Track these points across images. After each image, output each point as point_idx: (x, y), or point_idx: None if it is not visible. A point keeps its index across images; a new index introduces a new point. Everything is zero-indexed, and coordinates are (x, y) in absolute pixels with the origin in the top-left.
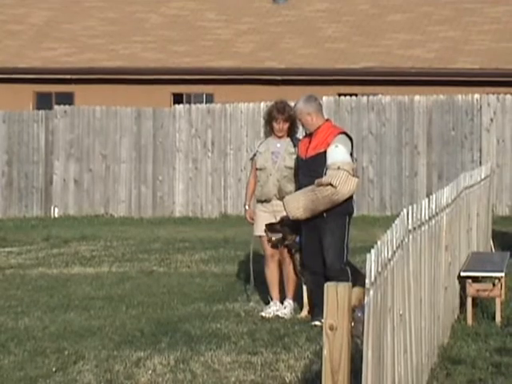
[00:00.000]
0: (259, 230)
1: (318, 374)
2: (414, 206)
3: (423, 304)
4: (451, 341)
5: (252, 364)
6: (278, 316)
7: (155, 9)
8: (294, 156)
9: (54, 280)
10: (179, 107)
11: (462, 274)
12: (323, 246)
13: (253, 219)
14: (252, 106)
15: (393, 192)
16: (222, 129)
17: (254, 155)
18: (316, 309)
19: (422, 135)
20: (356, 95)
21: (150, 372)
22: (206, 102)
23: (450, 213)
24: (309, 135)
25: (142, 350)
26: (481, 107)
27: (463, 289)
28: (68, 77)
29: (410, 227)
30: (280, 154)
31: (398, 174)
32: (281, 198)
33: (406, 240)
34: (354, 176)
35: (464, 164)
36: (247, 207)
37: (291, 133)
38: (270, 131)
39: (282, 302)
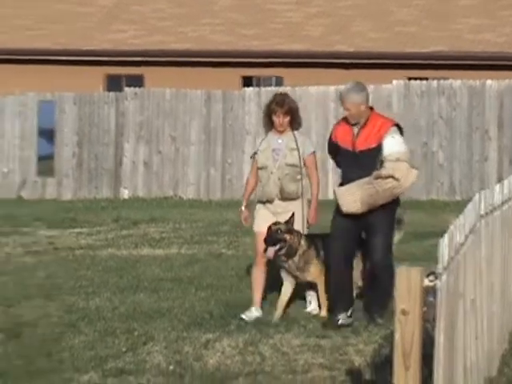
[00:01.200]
0: (258, 225)
1: (388, 359)
2: (487, 190)
3: (495, 289)
4: None
5: (321, 347)
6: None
7: None
8: (296, 152)
9: (124, 261)
10: (249, 90)
11: None
12: (371, 241)
13: (247, 222)
14: (322, 90)
15: (463, 177)
16: None
17: (255, 153)
18: (336, 309)
19: (493, 120)
20: (426, 79)
21: (219, 354)
22: (276, 85)
23: None
24: (349, 123)
25: (211, 332)
26: None
27: None
28: (138, 59)
29: (482, 212)
30: (281, 150)
31: (468, 159)
32: (283, 199)
33: (479, 225)
34: (413, 167)
35: None
36: (243, 208)
37: (293, 127)
38: (269, 126)
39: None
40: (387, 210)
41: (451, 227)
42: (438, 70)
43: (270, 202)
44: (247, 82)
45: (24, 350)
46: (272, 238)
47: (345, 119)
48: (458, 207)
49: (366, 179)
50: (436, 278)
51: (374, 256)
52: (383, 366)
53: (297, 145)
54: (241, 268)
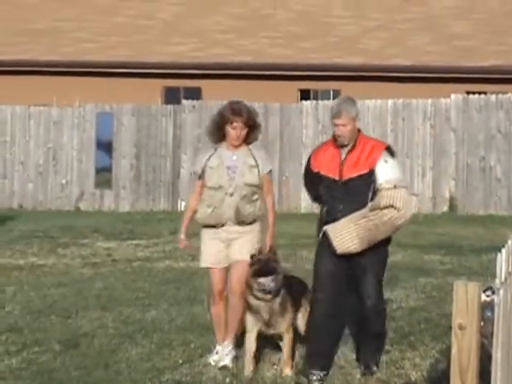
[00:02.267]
0: (207, 260)
1: (445, 373)
2: None
3: None
4: None
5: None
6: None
7: (282, 4)
8: (255, 170)
9: (181, 273)
10: (306, 103)
11: None
12: (362, 285)
13: (189, 248)
14: (379, 103)
15: None
16: None
17: (203, 171)
18: (312, 359)
19: None
20: (485, 93)
21: (275, 367)
22: (333, 98)
23: None
24: (333, 146)
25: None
26: None
27: None
28: (196, 72)
29: None
30: (238, 168)
31: None
32: (238, 223)
33: None
34: (412, 194)
35: None
36: (182, 236)
37: (248, 140)
38: (220, 139)
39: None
40: (378, 248)
41: (509, 242)
42: (496, 84)
43: (219, 226)
44: (304, 95)
45: (81, 360)
46: (268, 266)
47: (330, 142)
48: None
49: (360, 212)
50: (493, 292)
51: (368, 302)
52: (440, 380)
53: (256, 161)
54: None
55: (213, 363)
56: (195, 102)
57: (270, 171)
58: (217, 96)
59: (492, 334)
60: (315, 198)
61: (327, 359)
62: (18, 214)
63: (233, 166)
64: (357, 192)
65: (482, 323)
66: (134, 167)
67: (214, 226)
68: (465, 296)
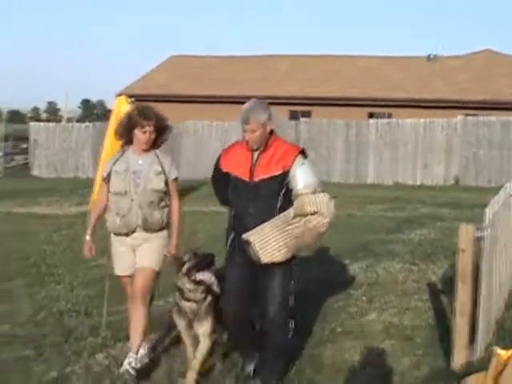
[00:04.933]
0: (119, 268)
1: (452, 278)
2: None
3: None
4: None
5: (412, 270)
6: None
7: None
8: (162, 176)
9: None
10: (372, 120)
11: None
12: (265, 290)
13: (91, 254)
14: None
15: None
16: None
17: (109, 175)
18: (245, 358)
19: None
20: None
21: (352, 272)
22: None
23: None
24: (245, 147)
25: (348, 259)
26: None
27: None
28: (308, 102)
29: (510, 193)
30: (143, 173)
31: None
32: (146, 229)
33: (508, 200)
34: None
35: None
36: (88, 237)
37: (155, 145)
38: (127, 142)
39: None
40: (287, 260)
41: (491, 201)
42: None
43: (128, 234)
44: (370, 116)
45: None
46: (202, 261)
47: (241, 143)
48: None
49: (280, 218)
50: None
51: (270, 310)
52: (450, 280)
53: (162, 167)
54: (365, 223)
55: (130, 370)
56: (307, 119)
57: (176, 178)
58: (322, 116)
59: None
60: (223, 200)
61: (252, 350)
62: None
63: (138, 171)
64: (267, 194)
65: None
66: None
67: (123, 234)
68: (465, 232)
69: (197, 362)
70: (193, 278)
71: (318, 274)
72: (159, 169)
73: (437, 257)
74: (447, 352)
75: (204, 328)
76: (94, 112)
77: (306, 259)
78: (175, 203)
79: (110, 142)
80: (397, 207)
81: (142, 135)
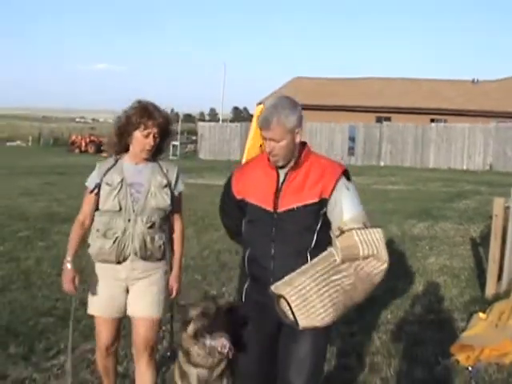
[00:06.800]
0: (95, 305)
1: (487, 236)
2: None
3: None
4: None
5: (459, 229)
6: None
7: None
8: (168, 189)
9: None
10: (433, 124)
11: None
12: (289, 356)
13: (74, 286)
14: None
15: None
16: None
17: (97, 188)
18: None
19: None
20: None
21: (418, 229)
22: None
23: None
24: (266, 164)
25: (415, 219)
26: None
27: None
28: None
29: None
30: (144, 186)
31: None
32: (146, 258)
33: None
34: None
35: None
36: (69, 265)
37: (158, 151)
38: (122, 149)
39: None
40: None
41: None
42: None
43: (122, 262)
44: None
45: None
46: (221, 318)
47: (261, 159)
48: None
49: (321, 264)
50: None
51: (294, 382)
52: (488, 236)
53: (167, 178)
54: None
55: None
56: (388, 123)
57: (181, 193)
58: (398, 120)
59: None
60: (235, 233)
61: None
62: None
63: (137, 184)
64: (298, 230)
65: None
66: None
67: (112, 262)
68: (497, 203)
69: None
70: (201, 343)
71: (394, 230)
72: (164, 181)
73: (476, 220)
74: (482, 286)
75: None
76: (241, 115)
77: (382, 218)
78: (179, 223)
79: (252, 137)
80: (449, 185)
81: (143, 139)
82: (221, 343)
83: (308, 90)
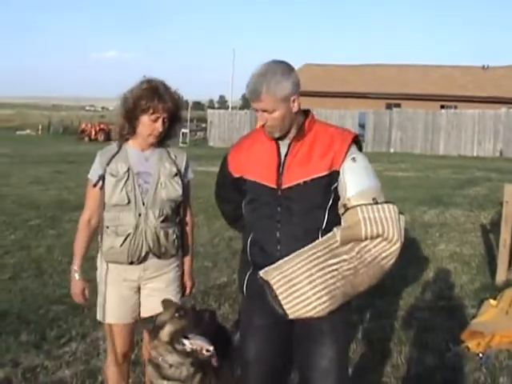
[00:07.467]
0: (111, 313)
1: (497, 221)
2: None
3: None
4: None
5: (470, 215)
6: None
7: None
8: (178, 178)
9: None
10: (444, 110)
11: None
12: (307, 358)
13: (84, 297)
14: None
15: None
16: None
17: (101, 180)
18: None
19: None
20: None
21: (428, 215)
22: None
23: None
24: (265, 136)
25: (426, 206)
26: None
27: None
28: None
29: None
30: (153, 176)
31: None
32: (160, 255)
33: None
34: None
35: None
36: (77, 276)
37: (166, 137)
38: (130, 134)
39: None
40: (345, 303)
41: None
42: None
43: (134, 263)
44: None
45: None
46: (194, 321)
47: (260, 131)
48: None
49: (318, 246)
50: None
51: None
52: (498, 222)
53: (177, 165)
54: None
55: None
56: (398, 109)
57: (189, 181)
58: (408, 107)
59: None
60: (234, 219)
61: None
62: None
63: (145, 173)
64: (306, 208)
65: None
66: None
67: (128, 263)
68: (508, 189)
69: None
70: (179, 346)
71: (405, 217)
72: (174, 169)
73: (486, 206)
74: (493, 272)
75: None
76: (250, 103)
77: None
78: (189, 215)
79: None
80: (459, 171)
81: (151, 124)
82: (202, 345)
83: (318, 76)
